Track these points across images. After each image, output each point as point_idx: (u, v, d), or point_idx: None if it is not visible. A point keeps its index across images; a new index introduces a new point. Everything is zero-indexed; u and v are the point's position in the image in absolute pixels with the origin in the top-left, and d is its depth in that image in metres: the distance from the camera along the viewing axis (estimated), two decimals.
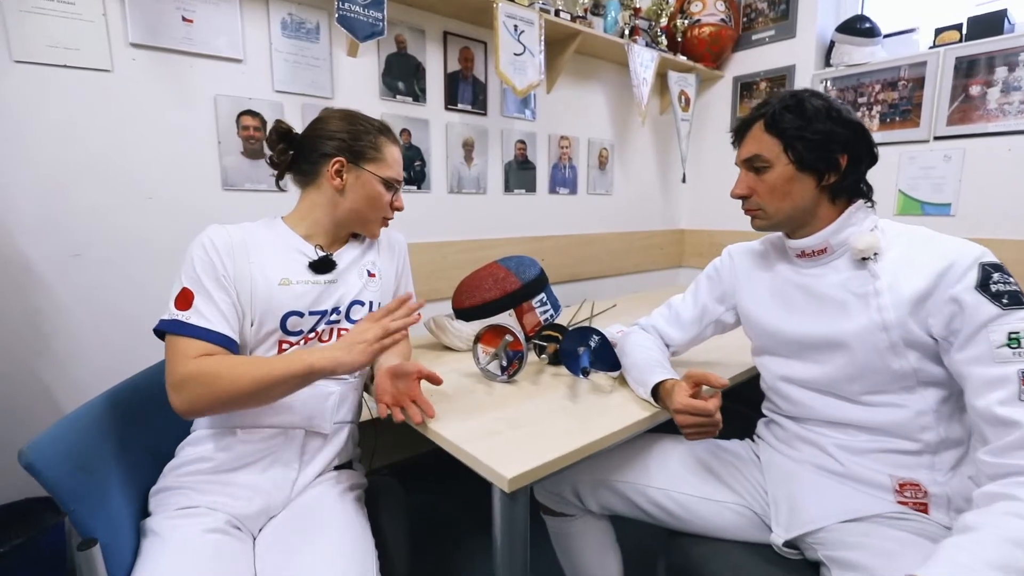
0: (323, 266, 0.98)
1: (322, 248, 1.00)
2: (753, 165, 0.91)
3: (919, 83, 2.13)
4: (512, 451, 0.81)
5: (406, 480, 1.77)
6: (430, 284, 1.86)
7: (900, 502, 0.81)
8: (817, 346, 0.89)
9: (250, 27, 1.44)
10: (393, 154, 1.02)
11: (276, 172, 1.03)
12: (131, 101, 1.30)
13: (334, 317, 0.98)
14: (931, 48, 2.12)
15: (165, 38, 1.32)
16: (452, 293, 1.43)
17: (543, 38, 1.84)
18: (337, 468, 0.99)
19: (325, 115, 1.02)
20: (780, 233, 0.98)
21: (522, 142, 2.11)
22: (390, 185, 1.02)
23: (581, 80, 2.31)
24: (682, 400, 0.85)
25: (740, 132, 0.94)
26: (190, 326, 0.82)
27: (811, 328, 0.89)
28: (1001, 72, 1.94)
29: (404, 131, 1.77)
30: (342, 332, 0.99)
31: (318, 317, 0.96)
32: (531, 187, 2.18)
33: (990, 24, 1.98)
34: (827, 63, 2.40)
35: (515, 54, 1.78)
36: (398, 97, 1.74)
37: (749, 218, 0.96)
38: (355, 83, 1.65)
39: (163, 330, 0.84)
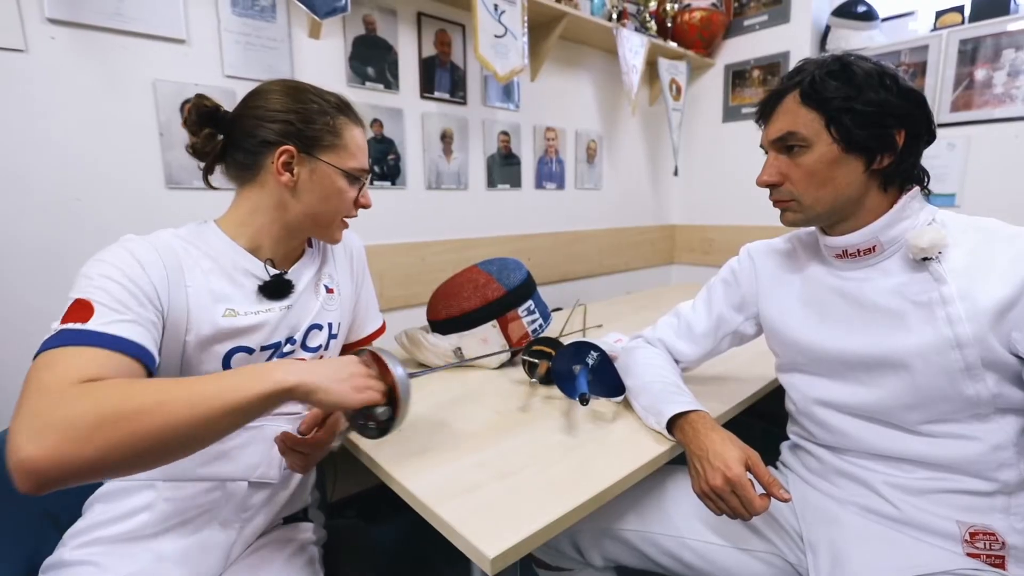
0: (278, 290, 0.78)
1: (273, 264, 0.80)
2: (786, 145, 0.75)
3: (921, 68, 2.04)
4: (496, 513, 0.66)
5: (378, 511, 1.62)
6: (407, 289, 1.71)
7: (970, 554, 0.68)
8: (866, 366, 0.74)
9: (194, 3, 1.26)
10: (356, 138, 0.81)
11: (202, 165, 0.80)
12: (51, 86, 1.11)
13: (288, 348, 0.80)
14: (933, 31, 2.02)
15: (91, 13, 1.13)
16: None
17: (526, 19, 1.69)
18: (287, 520, 0.82)
19: (264, 89, 0.78)
20: (812, 228, 0.83)
21: (505, 134, 1.96)
22: (355, 178, 0.81)
23: (567, 68, 2.16)
24: (741, 474, 0.69)
25: (768, 106, 0.78)
26: (86, 333, 0.56)
27: (857, 344, 0.75)
28: (1008, 55, 1.85)
29: (375, 121, 1.60)
30: None
31: (271, 352, 0.78)
32: (516, 182, 2.03)
33: (996, 4, 1.89)
34: (823, 49, 2.30)
35: (496, 36, 1.63)
36: (368, 84, 1.58)
37: (779, 211, 0.80)
38: (319, 68, 1.48)
39: (43, 350, 0.56)
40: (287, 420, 0.80)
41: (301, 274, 0.84)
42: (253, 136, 0.75)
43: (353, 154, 0.80)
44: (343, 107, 0.81)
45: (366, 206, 0.86)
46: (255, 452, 0.76)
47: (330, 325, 0.86)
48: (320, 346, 0.85)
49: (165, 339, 0.67)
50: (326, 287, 0.88)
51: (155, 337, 0.63)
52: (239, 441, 0.75)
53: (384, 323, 1.09)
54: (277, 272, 0.79)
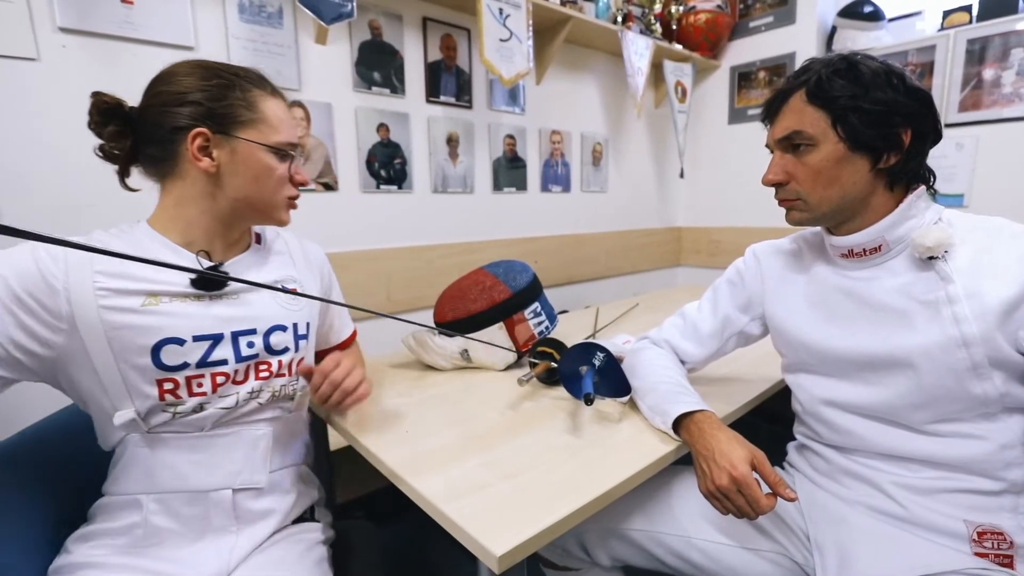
0: (213, 281, 0.72)
1: (208, 256, 0.74)
2: (792, 144, 0.75)
3: (928, 68, 2.03)
4: (503, 513, 0.66)
5: (386, 512, 1.63)
6: (413, 291, 1.72)
7: (978, 554, 0.67)
8: (872, 365, 0.74)
9: (202, 10, 1.28)
10: (275, 110, 0.74)
11: (117, 168, 0.74)
12: (63, 94, 1.13)
13: (249, 351, 0.74)
14: (940, 31, 2.01)
15: (101, 22, 1.15)
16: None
17: (531, 23, 1.70)
18: (294, 521, 0.82)
19: (166, 72, 0.72)
20: (817, 228, 0.83)
21: (511, 137, 1.97)
22: (283, 153, 0.75)
23: (572, 71, 2.17)
24: (747, 473, 0.68)
25: (774, 105, 0.78)
26: None
27: (863, 343, 0.74)
28: (1017, 54, 1.83)
29: (382, 126, 1.62)
30: (262, 368, 0.77)
31: (209, 343, 0.71)
32: (522, 185, 2.04)
33: (1004, 3, 1.87)
34: (829, 50, 2.29)
35: (501, 40, 1.64)
36: (374, 89, 1.59)
37: (783, 211, 0.79)
38: (325, 73, 1.49)
39: None
40: (267, 423, 0.79)
41: (244, 268, 0.79)
42: (162, 125, 0.70)
43: (275, 127, 0.74)
44: (256, 79, 0.75)
45: (302, 183, 0.80)
46: (236, 459, 0.74)
47: (295, 326, 0.82)
48: (287, 348, 0.81)
49: (85, 341, 0.65)
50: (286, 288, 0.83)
51: (10, 342, 0.61)
52: (217, 448, 0.73)
53: (355, 330, 1.07)
54: (212, 264, 0.75)
